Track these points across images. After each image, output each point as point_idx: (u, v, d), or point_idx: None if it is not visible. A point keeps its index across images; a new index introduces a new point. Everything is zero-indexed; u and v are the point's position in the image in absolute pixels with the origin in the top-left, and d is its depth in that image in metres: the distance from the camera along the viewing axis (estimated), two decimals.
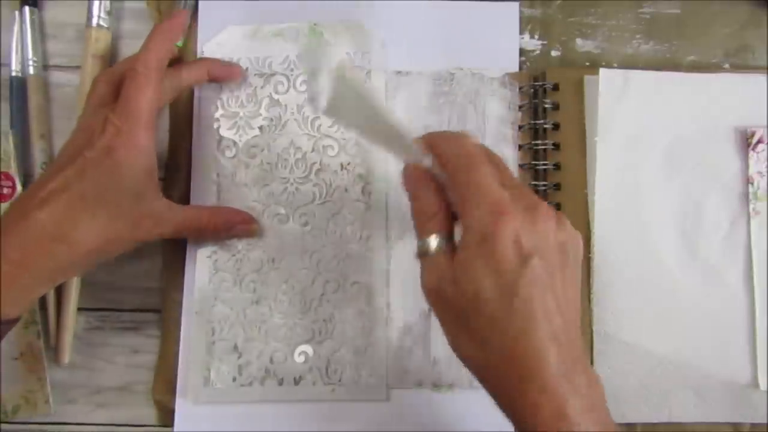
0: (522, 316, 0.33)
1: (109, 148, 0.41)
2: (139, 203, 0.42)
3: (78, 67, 0.49)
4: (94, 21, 0.49)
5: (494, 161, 0.36)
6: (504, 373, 0.33)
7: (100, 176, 0.41)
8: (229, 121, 0.49)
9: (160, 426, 0.47)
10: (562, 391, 0.32)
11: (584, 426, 0.32)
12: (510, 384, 0.33)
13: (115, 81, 0.45)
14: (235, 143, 0.49)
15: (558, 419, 0.32)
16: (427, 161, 0.36)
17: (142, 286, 0.49)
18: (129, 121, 0.41)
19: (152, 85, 0.42)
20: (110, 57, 0.50)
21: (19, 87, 0.49)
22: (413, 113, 0.49)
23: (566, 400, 0.32)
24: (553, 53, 0.50)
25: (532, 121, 0.49)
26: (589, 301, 0.47)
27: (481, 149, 0.36)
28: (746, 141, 0.48)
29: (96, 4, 0.49)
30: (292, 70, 0.49)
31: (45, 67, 0.50)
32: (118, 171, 0.41)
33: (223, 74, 0.48)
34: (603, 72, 0.48)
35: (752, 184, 0.48)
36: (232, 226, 0.47)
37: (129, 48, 0.50)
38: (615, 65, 0.50)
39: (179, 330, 0.47)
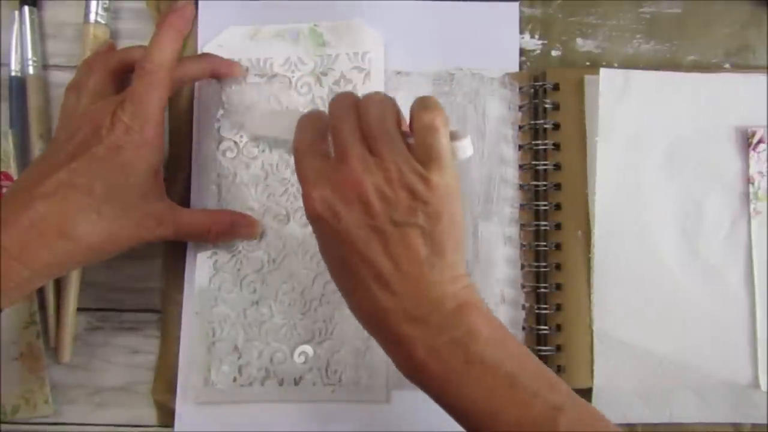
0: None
1: (118, 146, 0.40)
2: (144, 203, 0.42)
3: (77, 66, 0.49)
4: (92, 17, 0.49)
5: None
6: None
7: (108, 174, 0.40)
8: (230, 122, 0.49)
9: (160, 426, 0.47)
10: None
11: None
12: None
13: (112, 69, 0.45)
14: (235, 143, 0.49)
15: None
16: None
17: (143, 286, 0.49)
18: (139, 120, 0.41)
19: (163, 84, 0.42)
20: None
21: (18, 87, 0.49)
22: None
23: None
24: (554, 53, 0.50)
25: (532, 121, 0.49)
26: (589, 301, 0.47)
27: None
28: (747, 141, 0.48)
29: (94, 2, 0.49)
30: (292, 71, 0.49)
31: (44, 66, 0.50)
32: (126, 170, 0.41)
33: (225, 70, 0.48)
34: (603, 72, 0.48)
35: (753, 184, 0.48)
36: (235, 230, 0.47)
37: None
38: (615, 65, 0.49)
39: (179, 330, 0.47)
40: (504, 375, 0.35)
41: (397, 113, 0.38)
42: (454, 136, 0.38)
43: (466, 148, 0.38)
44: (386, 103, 0.38)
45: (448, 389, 0.36)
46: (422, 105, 0.37)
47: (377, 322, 0.37)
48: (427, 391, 0.36)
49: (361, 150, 0.37)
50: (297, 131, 0.39)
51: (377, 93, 0.39)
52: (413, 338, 0.36)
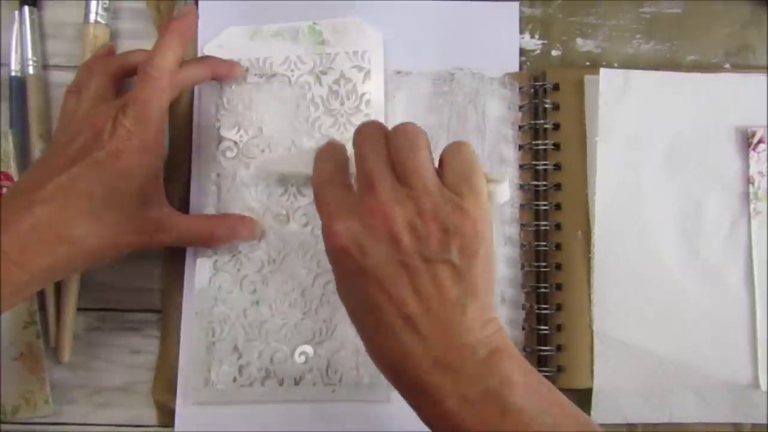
0: None
1: (119, 151, 0.40)
2: (144, 209, 0.42)
3: (77, 67, 0.49)
4: (92, 17, 0.49)
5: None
6: None
7: (109, 179, 0.40)
8: (230, 121, 0.49)
9: (160, 426, 0.47)
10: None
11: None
12: None
13: (113, 73, 0.45)
14: (235, 143, 0.49)
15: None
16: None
17: (143, 286, 0.49)
18: (140, 125, 0.41)
19: (165, 89, 0.42)
20: None
21: (18, 87, 0.49)
22: (413, 113, 0.49)
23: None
24: (554, 53, 0.50)
25: (533, 121, 0.49)
26: (589, 301, 0.47)
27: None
28: (747, 141, 0.48)
29: (94, 2, 0.49)
30: (292, 70, 0.49)
31: (44, 66, 0.50)
32: (127, 175, 0.41)
33: (225, 72, 0.48)
34: (603, 72, 0.48)
35: (753, 184, 0.48)
36: (236, 234, 0.46)
37: (129, 48, 0.50)
38: (615, 65, 0.49)
39: (179, 330, 0.47)
40: (543, 425, 0.33)
41: (429, 145, 0.36)
42: (489, 179, 0.36)
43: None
44: (418, 133, 0.36)
45: None
46: (457, 144, 0.36)
47: (402, 369, 0.34)
48: None
49: (391, 180, 0.35)
50: (317, 162, 0.38)
51: (409, 123, 0.36)
52: (442, 388, 0.33)
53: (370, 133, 0.37)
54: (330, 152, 0.38)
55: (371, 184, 0.35)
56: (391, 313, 0.34)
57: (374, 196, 0.34)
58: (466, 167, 0.35)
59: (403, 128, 0.36)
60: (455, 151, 0.36)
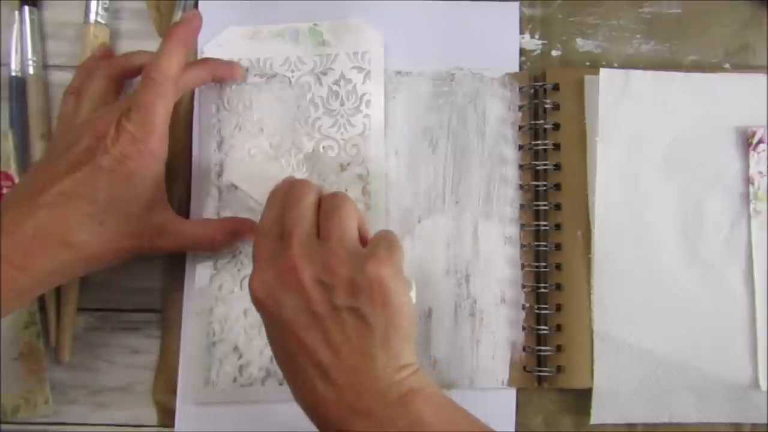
0: None
1: (123, 156, 0.40)
2: (147, 213, 0.42)
3: (76, 67, 0.49)
4: (92, 18, 0.49)
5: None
6: None
7: (112, 183, 0.40)
8: (230, 122, 0.49)
9: (160, 426, 0.47)
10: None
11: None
12: None
13: (114, 76, 0.45)
14: (235, 144, 0.49)
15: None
16: None
17: (143, 286, 0.49)
18: (144, 131, 0.41)
19: (169, 94, 0.42)
20: None
21: (19, 87, 0.49)
22: (413, 113, 0.49)
23: None
24: (554, 53, 0.50)
25: (532, 122, 0.49)
26: (589, 301, 0.47)
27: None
28: (747, 141, 0.48)
29: (94, 2, 0.49)
30: (292, 71, 0.49)
31: (45, 66, 0.50)
32: (130, 180, 0.41)
33: (226, 74, 0.48)
34: (603, 72, 0.48)
35: (753, 184, 0.48)
36: (237, 237, 0.46)
37: (128, 48, 0.50)
38: (615, 65, 0.49)
39: (180, 330, 0.47)
40: None
41: (355, 212, 0.38)
42: None
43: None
44: (345, 198, 0.38)
45: None
46: (385, 231, 0.38)
47: (319, 414, 0.35)
48: None
49: (307, 235, 0.36)
50: (265, 208, 0.39)
51: (339, 192, 0.39)
52: None
53: (297, 190, 0.38)
54: (276, 200, 0.39)
55: (287, 238, 0.36)
56: (305, 361, 0.35)
57: (287, 249, 0.36)
58: (392, 239, 0.37)
59: (333, 194, 0.39)
60: (384, 231, 0.38)
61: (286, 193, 0.39)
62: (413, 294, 0.37)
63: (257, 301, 0.36)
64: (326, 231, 0.37)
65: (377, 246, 0.36)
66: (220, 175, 0.48)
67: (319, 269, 0.35)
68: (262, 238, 0.38)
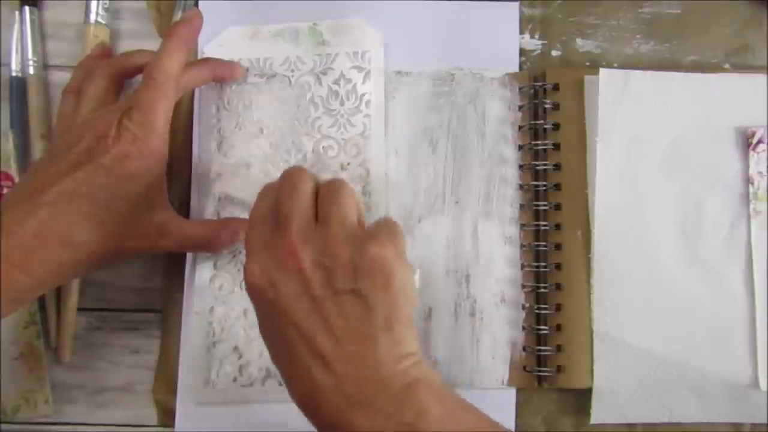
0: None
1: (124, 156, 0.40)
2: (148, 213, 0.42)
3: (73, 69, 0.49)
4: (92, 17, 0.49)
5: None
6: None
7: (113, 183, 0.40)
8: (230, 122, 0.49)
9: (160, 426, 0.48)
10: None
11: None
12: None
13: (114, 75, 0.45)
14: (235, 144, 0.49)
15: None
16: None
17: (143, 286, 0.49)
18: (145, 130, 0.41)
19: (170, 93, 0.42)
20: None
21: (19, 87, 0.49)
22: (413, 113, 0.49)
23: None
24: (553, 53, 0.50)
25: (532, 122, 0.49)
26: (589, 301, 0.47)
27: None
28: (746, 141, 0.48)
29: (94, 2, 0.49)
30: (292, 70, 0.49)
31: (45, 66, 0.50)
32: (131, 179, 0.41)
33: (227, 74, 0.48)
34: (603, 72, 0.48)
35: (752, 184, 0.48)
36: (237, 238, 0.46)
37: (129, 48, 0.50)
38: (615, 65, 0.50)
39: (180, 330, 0.47)
40: None
41: (354, 198, 0.37)
42: None
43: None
44: (344, 184, 0.37)
45: None
46: (387, 218, 0.37)
47: (317, 407, 0.34)
48: None
49: (305, 220, 0.35)
50: (255, 201, 0.38)
51: (338, 178, 0.38)
52: (356, 425, 0.32)
53: (293, 177, 0.37)
54: (269, 191, 0.38)
55: (285, 223, 0.35)
56: (304, 349, 0.34)
57: (286, 234, 0.35)
58: (393, 223, 0.36)
59: (331, 180, 0.37)
60: (385, 218, 0.37)
61: (283, 180, 0.37)
62: (417, 278, 0.36)
63: (254, 288, 0.35)
64: (325, 215, 0.35)
65: (378, 229, 0.35)
66: (219, 175, 0.48)
67: (319, 252, 0.34)
68: (256, 227, 0.37)
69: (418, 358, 0.34)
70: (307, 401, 0.34)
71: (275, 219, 0.36)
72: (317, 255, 0.34)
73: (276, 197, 0.37)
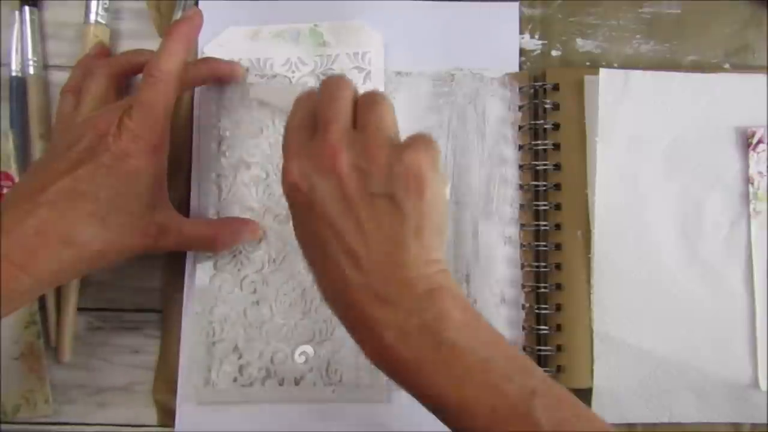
0: None
1: (125, 154, 0.40)
2: (148, 212, 0.42)
3: (72, 68, 0.49)
4: (92, 18, 0.49)
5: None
6: None
7: (114, 182, 0.40)
8: (230, 122, 0.49)
9: (160, 426, 0.47)
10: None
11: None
12: None
13: (114, 74, 0.45)
14: (235, 143, 0.49)
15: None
16: None
17: (143, 286, 0.49)
18: (146, 128, 0.41)
19: (171, 92, 0.42)
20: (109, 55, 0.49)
21: (19, 87, 0.49)
22: (413, 113, 0.49)
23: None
24: (553, 53, 0.50)
25: (532, 122, 0.49)
26: (589, 301, 0.47)
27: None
28: (747, 141, 0.48)
29: (94, 2, 0.49)
30: (293, 71, 0.49)
31: (45, 66, 0.50)
32: (132, 178, 0.41)
33: (227, 74, 0.48)
34: (603, 72, 0.48)
35: (752, 184, 0.48)
36: (238, 237, 0.46)
37: (128, 48, 0.50)
38: (615, 65, 0.50)
39: (180, 330, 0.47)
40: (476, 360, 0.33)
41: (393, 110, 0.38)
42: None
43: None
44: (384, 96, 0.38)
45: (418, 376, 0.34)
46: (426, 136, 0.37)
47: (344, 302, 0.35)
48: (396, 378, 0.35)
49: (345, 124, 0.36)
50: (293, 108, 0.39)
51: (377, 91, 0.39)
52: (382, 321, 0.34)
53: (334, 84, 0.38)
54: (306, 99, 0.39)
55: (326, 127, 0.36)
56: (336, 246, 0.35)
57: (325, 136, 0.36)
58: (429, 137, 0.36)
59: (371, 91, 0.38)
60: (421, 132, 0.37)
61: (324, 86, 0.38)
62: (448, 190, 0.37)
63: (291, 186, 0.36)
64: (364, 122, 0.36)
65: (415, 140, 0.36)
66: (219, 174, 0.48)
67: (357, 155, 0.35)
68: (294, 131, 0.37)
69: (444, 266, 0.35)
70: (336, 295, 0.36)
71: (313, 125, 0.37)
72: (355, 158, 0.35)
73: (313, 105, 0.38)
